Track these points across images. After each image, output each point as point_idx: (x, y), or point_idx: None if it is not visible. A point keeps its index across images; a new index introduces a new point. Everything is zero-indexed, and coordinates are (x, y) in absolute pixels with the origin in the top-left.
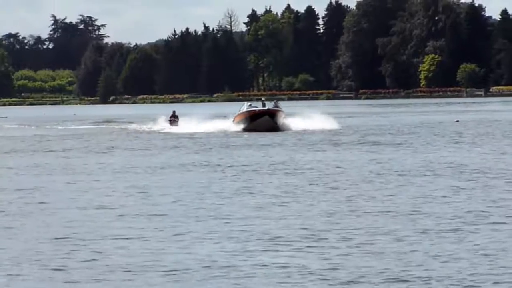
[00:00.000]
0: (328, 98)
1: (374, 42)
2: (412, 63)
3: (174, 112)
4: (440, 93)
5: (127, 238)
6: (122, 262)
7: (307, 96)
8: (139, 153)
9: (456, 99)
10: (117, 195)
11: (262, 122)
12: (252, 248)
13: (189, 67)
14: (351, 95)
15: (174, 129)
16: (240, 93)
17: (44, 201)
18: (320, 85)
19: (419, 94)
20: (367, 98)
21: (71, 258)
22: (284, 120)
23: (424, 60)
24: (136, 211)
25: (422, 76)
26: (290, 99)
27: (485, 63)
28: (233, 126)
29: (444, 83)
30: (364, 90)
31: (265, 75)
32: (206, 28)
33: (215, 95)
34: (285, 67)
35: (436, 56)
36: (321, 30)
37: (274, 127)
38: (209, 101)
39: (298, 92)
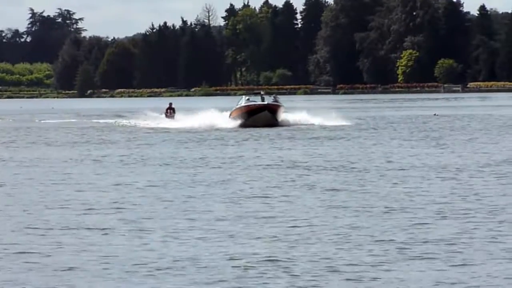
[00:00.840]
0: (305, 93)
1: (352, 37)
2: (390, 58)
3: (170, 104)
4: (418, 89)
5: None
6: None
7: (285, 91)
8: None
9: (434, 95)
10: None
11: (261, 117)
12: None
13: (167, 62)
14: (329, 90)
15: (169, 122)
16: (218, 88)
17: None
18: (297, 80)
19: (397, 89)
20: (344, 93)
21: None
22: (284, 115)
23: (402, 55)
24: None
25: (399, 71)
26: (267, 93)
27: (463, 59)
28: (229, 121)
29: (421, 78)
30: (341, 85)
31: (243, 69)
32: (184, 22)
33: (192, 89)
34: (263, 61)
35: (414, 51)
36: (299, 25)
37: (274, 123)
38: (186, 95)
39: (275, 87)
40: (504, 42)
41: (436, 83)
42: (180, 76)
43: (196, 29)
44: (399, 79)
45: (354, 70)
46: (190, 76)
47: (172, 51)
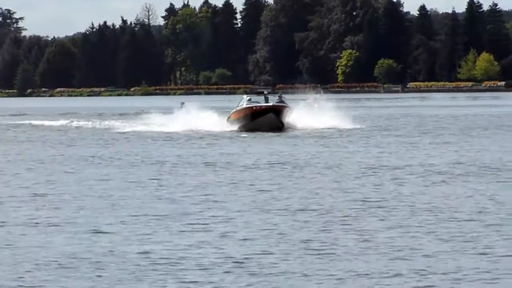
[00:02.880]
0: (245, 93)
1: (292, 37)
2: (330, 58)
3: (182, 104)
4: (358, 89)
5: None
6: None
7: (224, 91)
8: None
9: (374, 95)
10: None
11: (266, 120)
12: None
13: (107, 61)
14: (269, 90)
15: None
16: (158, 87)
17: None
18: (237, 80)
19: (336, 89)
20: (284, 93)
21: None
22: (290, 117)
23: (342, 55)
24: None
25: (339, 71)
26: (207, 93)
27: (403, 59)
28: (225, 125)
29: (361, 78)
30: (281, 85)
31: (183, 69)
32: (124, 21)
33: (132, 89)
34: (203, 61)
35: (354, 51)
36: (239, 25)
37: (279, 126)
38: (126, 94)
39: (215, 87)
40: (444, 42)
41: (375, 83)
42: (119, 75)
43: (136, 29)
44: (339, 79)
45: (294, 70)
46: (129, 75)
47: (112, 51)
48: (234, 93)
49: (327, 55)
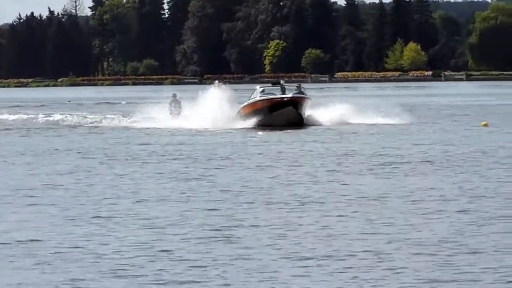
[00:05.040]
0: (172, 83)
1: (219, 27)
2: (257, 48)
3: (174, 96)
4: (285, 79)
5: None
6: None
7: (152, 81)
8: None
9: (302, 85)
10: None
11: (284, 114)
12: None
13: (34, 52)
14: (196, 80)
15: (173, 121)
16: (85, 78)
17: None
18: (165, 70)
19: (264, 79)
20: (211, 83)
21: None
22: (310, 110)
23: (269, 45)
24: None
25: (267, 61)
26: (134, 84)
27: (330, 49)
28: (236, 120)
29: (288, 68)
30: (209, 75)
31: (110, 59)
32: (51, 12)
33: (60, 79)
34: (130, 52)
35: (281, 41)
36: (166, 15)
37: (299, 121)
38: (54, 85)
39: (142, 77)
40: (371, 32)
41: (303, 73)
42: (47, 66)
43: (63, 19)
44: (267, 69)
45: (221, 60)
46: (57, 66)
47: (39, 42)
48: (161, 84)
49: (255, 45)
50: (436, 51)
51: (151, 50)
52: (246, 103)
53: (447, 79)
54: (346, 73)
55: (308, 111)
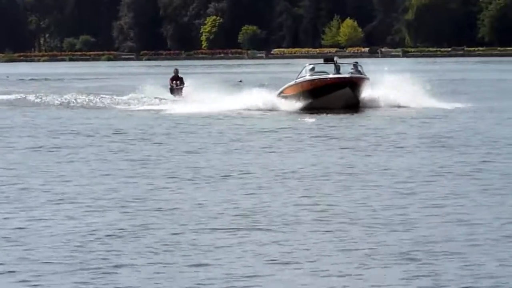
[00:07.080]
0: (109, 59)
1: (156, 3)
2: (194, 24)
3: (176, 71)
4: (222, 55)
5: None
6: None
7: (88, 57)
8: None
9: (238, 61)
10: None
11: (339, 96)
12: None
13: None
14: (133, 56)
15: (175, 104)
16: (22, 54)
17: None
18: (101, 46)
19: (200, 55)
20: (148, 59)
21: None
22: (368, 92)
23: (206, 21)
24: None
25: (203, 37)
26: (71, 60)
27: (267, 25)
28: (280, 102)
29: (225, 44)
30: (145, 51)
31: (47, 35)
32: None
33: None
34: (66, 28)
35: (218, 18)
36: None
37: (355, 103)
38: None
39: (79, 53)
40: (308, 9)
41: (240, 50)
42: None
43: None
44: (203, 46)
45: (158, 36)
46: None
47: None
48: (98, 60)
49: (191, 22)
50: (373, 27)
51: (88, 26)
52: (292, 83)
53: (384, 55)
54: (283, 49)
55: (365, 93)
